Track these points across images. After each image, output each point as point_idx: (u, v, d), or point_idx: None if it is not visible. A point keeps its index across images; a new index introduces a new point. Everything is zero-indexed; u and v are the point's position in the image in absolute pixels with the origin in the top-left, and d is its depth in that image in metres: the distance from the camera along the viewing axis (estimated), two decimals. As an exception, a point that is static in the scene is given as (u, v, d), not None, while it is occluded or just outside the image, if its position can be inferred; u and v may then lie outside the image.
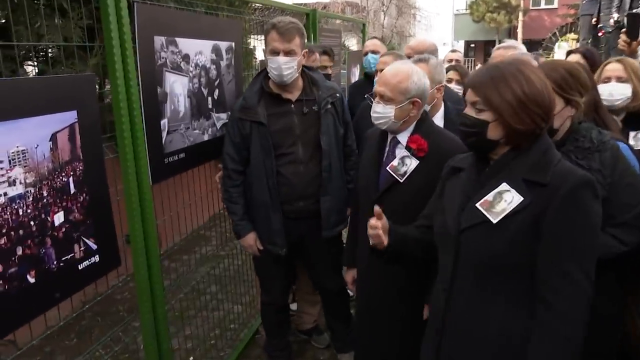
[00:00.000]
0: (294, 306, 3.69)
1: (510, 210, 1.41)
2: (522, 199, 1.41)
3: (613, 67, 2.63)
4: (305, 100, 2.61)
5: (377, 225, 1.81)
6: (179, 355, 3.29)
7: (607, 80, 2.61)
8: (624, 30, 2.74)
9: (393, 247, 1.85)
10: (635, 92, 2.57)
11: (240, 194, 2.68)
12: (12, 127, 1.57)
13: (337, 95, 2.72)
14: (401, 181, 2.07)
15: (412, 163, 2.07)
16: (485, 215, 1.45)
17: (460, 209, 1.54)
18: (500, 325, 1.46)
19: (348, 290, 3.00)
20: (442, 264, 1.63)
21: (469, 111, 1.51)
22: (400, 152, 2.12)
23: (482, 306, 1.49)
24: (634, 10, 6.67)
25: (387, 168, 2.12)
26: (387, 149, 2.18)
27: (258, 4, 4.01)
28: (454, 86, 3.51)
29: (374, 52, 3.86)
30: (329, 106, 2.65)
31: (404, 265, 2.09)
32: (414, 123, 2.13)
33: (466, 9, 25.41)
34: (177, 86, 2.45)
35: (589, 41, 7.93)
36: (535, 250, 1.40)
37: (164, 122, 2.36)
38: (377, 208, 1.83)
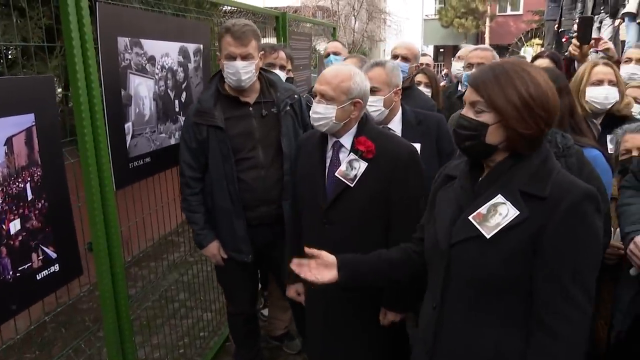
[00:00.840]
0: (265, 312, 3.64)
1: (505, 224, 1.31)
2: (517, 212, 1.31)
3: (605, 70, 2.60)
4: (263, 103, 2.52)
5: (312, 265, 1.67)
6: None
7: (599, 83, 2.58)
8: (575, 34, 2.78)
9: (344, 285, 1.69)
10: (621, 95, 2.60)
11: (200, 202, 2.55)
12: (-38, 130, 1.48)
13: (296, 96, 2.64)
14: (352, 186, 1.99)
15: (362, 166, 1.99)
16: (478, 229, 1.35)
17: (452, 221, 1.44)
18: (495, 347, 1.36)
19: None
20: (431, 279, 1.53)
21: (468, 112, 1.39)
22: (346, 156, 2.03)
23: (475, 326, 1.39)
24: (586, 15, 6.90)
25: (336, 174, 2.02)
26: (329, 154, 2.09)
27: (228, 7, 3.96)
28: (422, 89, 3.53)
29: (335, 53, 3.86)
30: (288, 108, 2.57)
31: None
32: (355, 125, 2.06)
33: (435, 15, 25.83)
34: (142, 89, 2.38)
35: (553, 46, 8.13)
36: (531, 267, 1.31)
37: (129, 125, 2.29)
38: (309, 250, 1.70)
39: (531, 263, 1.30)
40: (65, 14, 1.87)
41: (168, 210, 2.95)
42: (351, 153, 2.02)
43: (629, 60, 3.30)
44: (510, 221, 1.31)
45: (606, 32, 6.13)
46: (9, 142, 1.65)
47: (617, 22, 5.99)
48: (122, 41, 2.21)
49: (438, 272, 1.46)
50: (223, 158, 2.43)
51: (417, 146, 2.26)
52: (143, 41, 2.35)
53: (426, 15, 26.94)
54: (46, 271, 1.82)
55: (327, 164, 2.08)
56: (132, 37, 2.26)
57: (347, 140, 2.05)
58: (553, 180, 1.31)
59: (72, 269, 1.96)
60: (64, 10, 1.87)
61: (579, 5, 6.47)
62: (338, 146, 2.07)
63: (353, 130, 2.05)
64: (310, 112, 2.03)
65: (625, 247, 1.68)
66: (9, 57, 2.41)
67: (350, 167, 2.01)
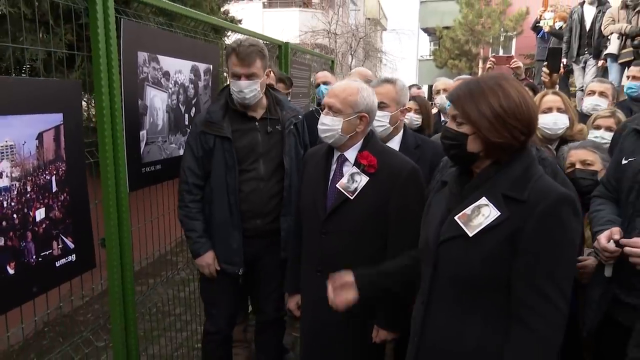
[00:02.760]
0: None
1: (486, 224, 1.40)
2: (499, 213, 1.39)
3: (553, 99, 2.80)
4: (269, 119, 2.60)
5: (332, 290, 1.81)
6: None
7: (549, 110, 2.78)
8: (545, 63, 2.99)
9: (364, 298, 1.82)
10: (572, 122, 2.79)
11: (200, 210, 2.57)
12: (2, 122, 1.65)
13: (300, 117, 2.75)
14: (351, 198, 2.03)
15: (362, 179, 2.04)
16: (462, 228, 1.44)
17: (440, 222, 1.53)
18: (477, 343, 1.44)
19: (286, 318, 2.89)
20: (423, 277, 1.60)
21: (451, 124, 1.50)
22: (349, 169, 2.09)
23: (458, 321, 1.47)
24: (553, 45, 7.25)
25: (337, 185, 2.07)
26: (333, 167, 2.14)
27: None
28: (412, 115, 3.70)
29: (325, 83, 3.99)
30: (292, 127, 2.66)
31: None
32: (361, 140, 2.11)
33: (430, 55, 26.57)
34: (156, 100, 2.57)
35: (542, 86, 8.46)
36: (510, 267, 1.38)
37: (143, 133, 2.47)
38: (330, 285, 1.82)
39: (510, 262, 1.38)
40: (94, 28, 2.07)
41: (169, 229, 2.98)
42: (353, 166, 2.08)
43: (592, 92, 3.56)
44: (492, 221, 1.40)
45: (590, 72, 6.46)
46: (40, 136, 1.81)
47: (600, 62, 6.31)
48: (142, 55, 2.40)
49: (427, 270, 1.56)
50: (227, 168, 2.49)
51: None
52: (160, 57, 2.55)
53: (421, 56, 27.70)
54: (64, 260, 1.96)
55: (331, 176, 2.14)
56: (150, 52, 2.46)
57: (351, 154, 2.10)
58: (532, 185, 1.40)
59: (86, 261, 2.09)
60: (93, 25, 2.07)
61: (565, 46, 6.81)
62: (342, 159, 2.12)
63: (358, 145, 2.10)
64: (318, 124, 2.10)
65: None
66: (33, 67, 2.59)
67: (352, 180, 2.05)
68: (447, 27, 23.06)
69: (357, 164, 2.07)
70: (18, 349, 3.59)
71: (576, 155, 2.44)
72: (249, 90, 2.45)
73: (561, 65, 2.97)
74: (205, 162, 2.54)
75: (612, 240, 1.75)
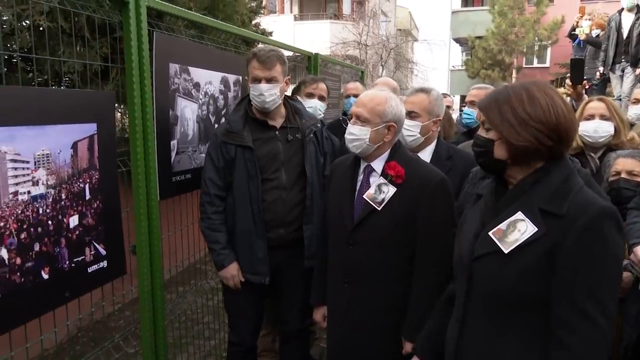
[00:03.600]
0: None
1: (522, 240, 1.35)
2: (536, 229, 1.34)
3: (596, 105, 2.72)
4: (289, 128, 2.60)
5: None
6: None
7: (591, 117, 2.69)
8: (568, 75, 2.91)
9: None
10: (617, 130, 2.67)
11: (223, 221, 2.55)
12: (39, 131, 1.72)
13: (319, 125, 2.75)
14: (379, 209, 2.01)
15: (390, 190, 2.01)
16: (496, 244, 1.40)
17: (475, 236, 1.49)
18: None
19: (314, 329, 2.83)
20: (457, 294, 1.57)
21: (481, 131, 1.50)
22: (376, 179, 2.07)
23: (494, 340, 1.42)
24: (576, 56, 7.06)
25: (364, 196, 2.05)
26: (360, 177, 2.13)
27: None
28: None
29: (355, 95, 3.83)
30: (312, 135, 2.66)
31: (384, 297, 2.05)
32: (388, 150, 2.09)
33: (462, 66, 26.33)
34: (187, 111, 2.62)
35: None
36: (549, 284, 1.33)
37: (174, 142, 2.52)
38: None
39: (547, 279, 1.32)
40: (128, 40, 2.13)
41: (198, 240, 2.98)
42: (381, 177, 2.06)
43: (637, 101, 3.43)
44: (528, 237, 1.34)
45: (628, 80, 6.28)
46: (75, 145, 1.87)
47: (637, 70, 6.13)
48: (173, 67, 2.46)
49: (461, 286, 1.51)
50: (249, 178, 2.48)
51: None
52: (191, 68, 2.60)
53: (453, 66, 27.48)
54: (96, 266, 2.01)
55: (358, 187, 2.12)
56: (181, 64, 2.52)
57: (378, 164, 2.09)
58: (571, 199, 1.34)
59: (117, 267, 2.14)
60: (127, 38, 2.13)
61: (602, 54, 6.65)
62: (369, 170, 2.11)
63: (385, 155, 2.09)
64: (346, 133, 2.09)
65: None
66: (70, 79, 2.68)
67: (379, 190, 2.03)
68: (479, 37, 22.83)
69: (384, 174, 2.05)
70: (53, 353, 3.68)
71: (623, 164, 2.36)
72: (269, 93, 2.46)
73: (584, 76, 2.87)
74: (226, 173, 2.52)
75: None
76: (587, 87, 7.72)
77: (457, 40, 26.67)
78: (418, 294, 1.99)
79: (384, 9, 25.14)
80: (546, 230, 1.33)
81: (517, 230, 1.37)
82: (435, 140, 2.51)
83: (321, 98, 3.46)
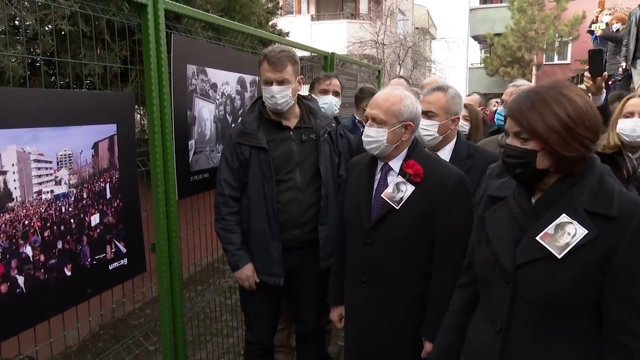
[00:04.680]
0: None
1: (574, 244, 1.30)
2: (586, 232, 1.30)
3: (637, 102, 2.57)
4: (303, 128, 2.58)
5: None
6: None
7: (630, 115, 2.56)
8: (587, 67, 2.81)
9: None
10: None
11: (237, 222, 2.54)
12: (61, 132, 1.77)
13: (333, 125, 2.72)
14: (397, 208, 1.99)
15: (408, 189, 2.00)
16: (547, 250, 1.34)
17: (513, 242, 1.42)
18: None
19: (330, 327, 2.78)
20: (488, 301, 1.51)
21: (513, 142, 1.41)
22: (394, 178, 2.05)
23: (544, 349, 1.37)
24: (594, 48, 6.91)
25: (382, 195, 2.03)
26: (377, 176, 2.11)
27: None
28: (461, 122, 3.67)
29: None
30: (326, 135, 2.64)
31: (403, 297, 2.03)
32: (406, 149, 2.07)
33: (480, 63, 26.07)
34: (204, 111, 2.66)
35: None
36: (601, 288, 1.30)
37: (192, 142, 2.56)
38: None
39: (600, 284, 1.30)
40: (147, 42, 2.18)
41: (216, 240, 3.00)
42: (399, 176, 2.04)
43: None
44: (579, 240, 1.30)
45: (650, 75, 6.15)
46: (96, 146, 1.92)
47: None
48: (191, 68, 2.50)
49: (501, 295, 1.44)
50: (264, 179, 2.48)
51: None
52: (208, 69, 2.64)
53: (471, 64, 27.22)
54: (117, 263, 2.05)
55: (375, 186, 2.10)
56: (199, 65, 2.56)
57: (396, 163, 2.07)
58: (618, 199, 1.31)
59: (137, 265, 2.18)
60: (145, 40, 2.18)
61: (623, 49, 6.52)
62: (387, 169, 2.09)
63: (403, 154, 2.07)
64: (362, 136, 2.07)
65: None
66: (91, 81, 2.74)
67: (397, 189, 2.01)
68: (498, 34, 22.58)
69: (402, 173, 2.03)
70: (76, 350, 3.77)
71: None
72: (281, 95, 2.44)
73: (603, 67, 2.77)
74: (241, 174, 2.52)
75: None
76: (609, 82, 7.59)
77: (475, 37, 26.41)
78: (437, 293, 1.97)
79: (402, 7, 25.00)
80: (598, 233, 1.29)
81: (566, 234, 1.32)
82: (455, 139, 2.47)
83: (335, 94, 3.46)
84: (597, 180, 1.36)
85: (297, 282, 2.69)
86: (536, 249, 1.36)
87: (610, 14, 7.83)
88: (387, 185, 2.06)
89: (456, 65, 28.00)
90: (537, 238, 1.36)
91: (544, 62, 23.81)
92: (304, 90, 3.03)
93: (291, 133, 2.57)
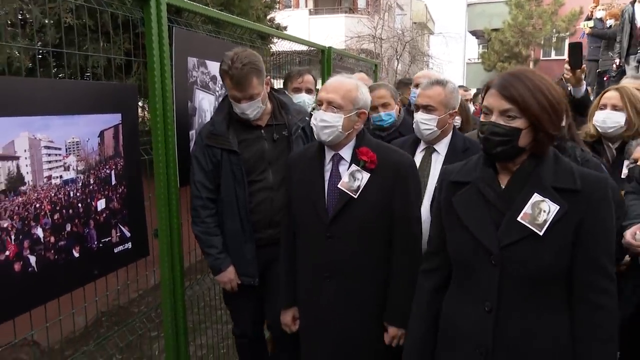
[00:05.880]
0: None
1: (551, 220, 1.41)
2: (558, 207, 1.42)
3: (609, 95, 2.70)
4: (275, 126, 2.51)
5: None
6: (193, 360, 3.46)
7: (603, 107, 2.68)
8: (566, 60, 2.88)
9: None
10: (629, 121, 2.63)
11: (217, 225, 2.50)
12: (69, 121, 1.86)
13: (307, 119, 2.58)
14: (355, 197, 1.97)
15: (364, 176, 1.98)
16: (529, 229, 1.43)
17: (494, 225, 1.49)
18: (553, 335, 1.46)
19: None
20: (475, 284, 1.54)
21: (499, 119, 1.45)
22: (346, 168, 2.03)
23: (533, 321, 1.47)
24: (592, 47, 6.96)
25: (339, 186, 1.99)
26: (328, 167, 2.06)
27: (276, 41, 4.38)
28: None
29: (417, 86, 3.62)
30: (299, 131, 2.55)
31: (369, 286, 2.03)
32: (354, 138, 2.05)
33: (478, 58, 26.12)
34: (204, 103, 2.75)
35: (594, 87, 8.22)
36: (573, 255, 1.43)
37: (192, 132, 2.65)
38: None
39: (573, 251, 1.43)
40: (149, 36, 2.26)
41: None
42: (353, 164, 2.01)
43: None
44: (554, 216, 1.41)
45: (643, 70, 6.25)
46: (102, 134, 2.01)
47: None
48: (191, 61, 2.59)
49: (488, 275, 1.49)
50: (235, 181, 2.43)
51: None
52: (208, 62, 2.73)
53: (469, 59, 27.28)
54: (121, 247, 2.15)
55: (327, 178, 2.05)
56: (199, 57, 2.65)
57: (346, 152, 2.04)
58: (579, 174, 1.45)
59: (141, 249, 2.28)
60: (148, 33, 2.26)
61: (617, 46, 6.62)
62: (337, 159, 2.05)
63: (352, 142, 2.05)
64: (314, 120, 2.01)
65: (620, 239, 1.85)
66: (95, 73, 2.83)
67: (353, 178, 1.98)
68: (495, 30, 22.62)
69: (355, 161, 2.01)
70: (79, 336, 3.87)
71: None
72: (251, 110, 2.38)
73: (582, 60, 2.84)
74: (215, 175, 2.47)
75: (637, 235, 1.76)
76: (604, 77, 7.69)
77: (473, 32, 26.42)
78: (398, 278, 1.99)
79: (400, 2, 25.04)
80: (568, 207, 1.42)
81: (542, 212, 1.42)
82: (451, 133, 2.47)
83: (308, 91, 3.37)
84: (553, 159, 1.49)
85: (271, 278, 2.57)
86: (518, 229, 1.44)
87: (604, 9, 7.92)
88: (339, 176, 2.02)
89: (453, 60, 28.11)
90: (519, 219, 1.44)
91: (541, 58, 23.87)
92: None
93: (262, 132, 2.50)
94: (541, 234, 1.42)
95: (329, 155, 2.07)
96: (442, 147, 2.42)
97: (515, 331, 1.48)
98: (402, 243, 2.00)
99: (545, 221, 1.41)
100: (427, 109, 2.33)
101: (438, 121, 2.34)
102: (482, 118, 1.52)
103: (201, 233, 2.50)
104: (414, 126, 2.42)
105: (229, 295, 2.68)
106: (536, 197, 1.44)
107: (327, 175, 2.06)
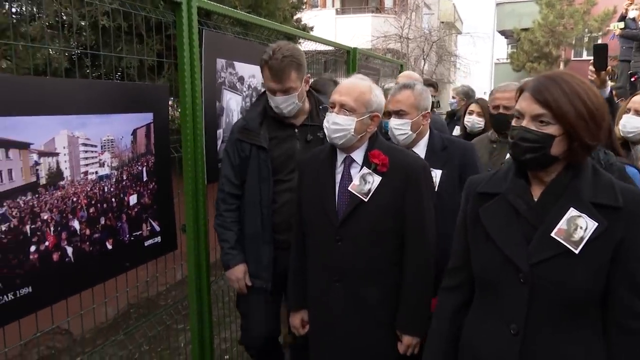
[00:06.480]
0: None
1: (588, 237, 1.31)
2: (596, 224, 1.32)
3: (636, 99, 2.70)
4: (310, 126, 2.46)
5: None
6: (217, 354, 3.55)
7: (628, 111, 2.71)
8: (591, 61, 2.87)
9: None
10: None
11: (234, 220, 2.46)
12: (104, 119, 1.96)
13: None
14: (366, 200, 1.94)
15: (375, 179, 1.95)
16: (564, 245, 1.33)
17: (524, 240, 1.39)
18: None
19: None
20: (500, 303, 1.44)
21: (530, 125, 1.37)
22: (357, 171, 2.00)
23: (564, 346, 1.36)
24: (623, 47, 6.79)
25: (349, 188, 1.96)
26: (340, 169, 2.04)
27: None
28: (474, 118, 3.77)
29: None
30: None
31: (379, 290, 1.98)
32: (367, 141, 2.02)
33: (507, 58, 25.76)
34: (232, 102, 2.83)
35: (628, 88, 8.04)
36: (611, 276, 1.33)
37: (220, 131, 2.73)
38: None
39: (611, 271, 1.32)
40: (181, 38, 2.35)
41: None
42: (364, 167, 1.98)
43: None
44: (592, 233, 1.31)
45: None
46: (134, 132, 2.11)
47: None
48: (220, 62, 2.67)
49: (516, 295, 1.40)
50: (261, 179, 2.40)
51: (439, 173, 2.28)
52: (236, 63, 2.81)
53: (497, 59, 26.91)
54: (151, 240, 2.25)
55: (338, 180, 2.03)
56: (227, 59, 2.73)
57: (358, 155, 2.01)
58: (619, 189, 1.34)
59: (169, 243, 2.38)
60: (180, 36, 2.35)
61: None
62: (349, 161, 2.02)
63: (365, 145, 2.02)
64: (326, 122, 1.98)
65: None
66: (128, 73, 2.94)
67: (364, 181, 1.96)
68: (525, 29, 22.28)
69: (367, 163, 1.98)
70: (108, 326, 4.02)
71: None
72: (286, 105, 2.34)
73: (607, 62, 2.82)
74: (242, 171, 2.44)
75: None
76: (632, 78, 7.51)
77: (502, 32, 26.06)
78: (410, 283, 1.96)
79: (427, 1, 24.86)
80: (607, 224, 1.32)
81: (579, 228, 1.32)
82: (428, 133, 2.44)
83: None
84: (592, 172, 1.39)
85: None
86: (552, 246, 1.35)
87: (637, 9, 7.74)
88: (351, 179, 2.00)
89: (481, 60, 27.76)
90: (552, 234, 1.35)
91: (572, 58, 23.39)
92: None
93: (296, 131, 2.46)
94: (577, 252, 1.32)
95: (340, 157, 2.04)
96: (421, 149, 2.40)
97: (544, 357, 1.38)
98: (414, 248, 1.96)
99: (581, 238, 1.32)
100: (399, 114, 2.32)
101: (411, 125, 2.32)
102: (513, 122, 1.43)
103: (218, 226, 2.49)
104: (388, 133, 2.40)
105: (241, 300, 2.60)
106: (572, 211, 1.34)
107: (338, 177, 2.03)
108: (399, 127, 2.32)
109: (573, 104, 1.32)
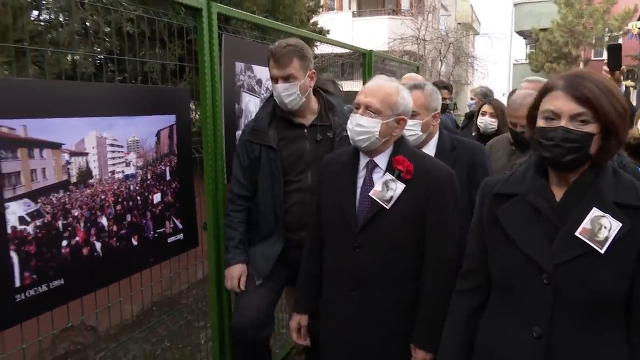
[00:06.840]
0: None
1: (612, 237, 1.30)
2: (620, 224, 1.30)
3: None
4: (319, 126, 2.44)
5: None
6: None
7: None
8: (605, 61, 2.89)
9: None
10: None
11: (241, 221, 2.46)
12: (130, 121, 2.05)
13: None
14: (387, 207, 1.86)
15: (398, 187, 1.86)
16: (589, 245, 1.31)
17: (548, 240, 1.37)
18: None
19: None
20: (522, 306, 1.41)
21: (568, 124, 1.33)
22: (380, 176, 1.92)
23: (590, 349, 1.34)
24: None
25: (371, 194, 1.89)
26: (362, 174, 1.96)
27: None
28: (487, 119, 3.79)
29: None
30: (345, 133, 2.29)
31: (394, 301, 1.91)
32: (392, 145, 1.95)
33: (525, 59, 25.55)
34: (250, 105, 2.92)
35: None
36: (635, 277, 1.31)
37: (239, 133, 2.82)
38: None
39: (635, 272, 1.31)
40: (201, 43, 2.44)
41: None
42: (387, 173, 1.90)
43: None
44: (616, 233, 1.30)
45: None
46: (158, 134, 2.21)
47: None
48: (239, 65, 2.76)
49: (539, 297, 1.37)
50: (273, 178, 2.40)
51: None
52: (254, 66, 2.90)
53: (515, 60, 26.70)
54: (174, 237, 2.34)
55: (359, 185, 1.95)
56: (246, 62, 2.82)
57: (382, 159, 1.93)
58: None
59: (191, 240, 2.47)
60: (200, 41, 2.44)
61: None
62: (372, 166, 1.94)
63: (389, 150, 1.94)
64: (350, 124, 1.91)
65: None
66: (150, 77, 3.05)
67: (386, 187, 1.88)
68: (544, 29, 22.09)
69: (390, 169, 1.90)
70: (131, 323, 4.14)
71: None
72: (287, 93, 2.31)
73: (621, 62, 2.83)
74: (252, 172, 2.44)
75: None
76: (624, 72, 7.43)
77: (520, 32, 25.87)
78: (430, 295, 1.87)
79: (444, 2, 24.80)
80: (632, 224, 1.30)
81: (603, 228, 1.31)
82: (437, 134, 2.43)
83: None
84: (612, 171, 1.38)
85: None
86: (576, 246, 1.32)
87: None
88: (372, 184, 1.92)
89: (499, 61, 27.54)
90: (577, 234, 1.33)
91: (592, 58, 23.09)
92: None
93: (305, 131, 2.45)
94: (602, 251, 1.30)
95: (363, 161, 1.96)
96: (430, 149, 2.40)
97: (570, 359, 1.35)
98: (435, 259, 1.88)
99: (606, 238, 1.30)
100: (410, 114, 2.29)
101: (422, 125, 2.31)
102: (542, 124, 1.38)
103: (225, 226, 2.50)
104: None
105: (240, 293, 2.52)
106: (595, 211, 1.33)
107: (360, 182, 1.95)
108: (409, 128, 2.28)
109: (611, 101, 1.32)
